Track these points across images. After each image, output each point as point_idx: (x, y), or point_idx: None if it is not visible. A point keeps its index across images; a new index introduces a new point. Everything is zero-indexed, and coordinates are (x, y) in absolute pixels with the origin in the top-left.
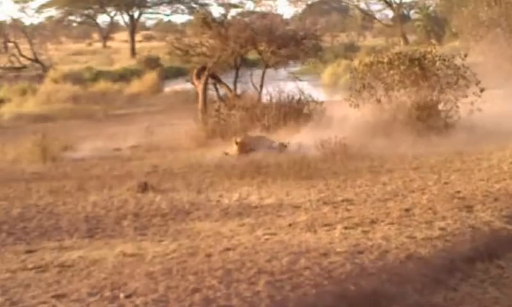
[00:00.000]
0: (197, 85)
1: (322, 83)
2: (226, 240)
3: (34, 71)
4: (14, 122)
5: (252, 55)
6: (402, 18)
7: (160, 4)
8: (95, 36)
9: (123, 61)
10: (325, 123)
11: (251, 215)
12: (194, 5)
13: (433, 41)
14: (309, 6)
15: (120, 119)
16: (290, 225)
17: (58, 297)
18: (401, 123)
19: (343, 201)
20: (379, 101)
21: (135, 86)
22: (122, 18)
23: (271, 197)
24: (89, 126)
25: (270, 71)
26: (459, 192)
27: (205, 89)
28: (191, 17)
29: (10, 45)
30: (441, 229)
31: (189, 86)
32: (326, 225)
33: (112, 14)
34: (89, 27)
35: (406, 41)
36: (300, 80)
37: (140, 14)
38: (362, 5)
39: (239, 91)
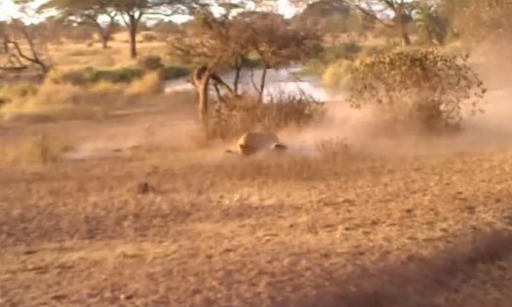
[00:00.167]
0: (198, 85)
1: (323, 83)
2: (227, 241)
3: (35, 71)
4: (14, 122)
5: (253, 55)
6: (403, 19)
7: (161, 4)
8: (96, 36)
9: (124, 62)
10: (326, 124)
11: (251, 216)
12: (194, 5)
13: (435, 41)
14: (310, 6)
15: (121, 120)
16: (291, 226)
17: (58, 298)
18: (402, 123)
19: (344, 202)
20: (380, 101)
21: (135, 87)
22: (122, 19)
23: (272, 198)
24: (89, 127)
25: (271, 72)
26: (460, 193)
27: (205, 90)
28: (192, 17)
29: (10, 45)
30: (443, 230)
31: (189, 86)
32: (327, 226)
33: (112, 14)
34: (89, 27)
35: (408, 42)
36: (301, 80)
37: (141, 14)
38: (363, 5)
39: (239, 92)
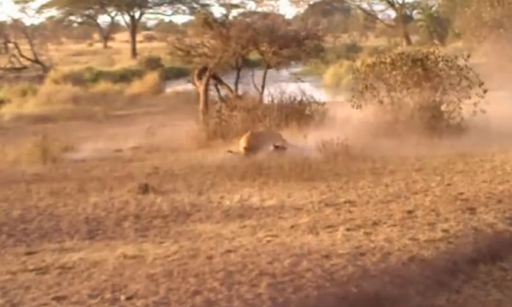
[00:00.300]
0: (198, 86)
1: (324, 84)
2: (228, 242)
3: (35, 71)
4: (14, 123)
5: (253, 55)
6: (404, 19)
7: (161, 4)
8: (96, 36)
9: (124, 62)
10: (327, 124)
11: (252, 217)
12: (195, 5)
13: (436, 41)
14: (311, 6)
15: (121, 120)
16: (291, 227)
17: (58, 299)
18: (404, 124)
19: (345, 202)
20: (381, 102)
21: (136, 87)
22: (123, 19)
23: (273, 199)
24: (89, 127)
25: (271, 72)
26: (462, 193)
27: (206, 90)
28: (192, 17)
29: (10, 45)
30: (444, 231)
31: (190, 86)
32: (328, 227)
33: (113, 14)
34: (89, 27)
35: (409, 42)
36: (302, 81)
37: (141, 14)
38: (364, 5)
39: (240, 92)
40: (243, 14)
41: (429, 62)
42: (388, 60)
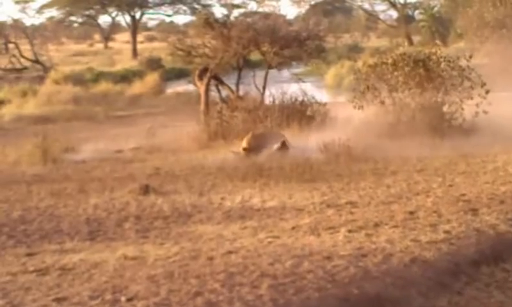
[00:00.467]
0: (199, 86)
1: (325, 84)
2: (229, 243)
3: (35, 72)
4: (14, 123)
5: (255, 56)
6: (406, 19)
7: (162, 4)
8: (96, 36)
9: (125, 62)
10: (328, 125)
11: (253, 218)
12: (196, 5)
13: (438, 42)
14: (312, 7)
15: (122, 121)
16: (293, 228)
17: (59, 300)
18: (405, 125)
19: (346, 203)
20: (383, 102)
21: (136, 87)
22: (124, 19)
23: (274, 200)
24: (90, 128)
25: (273, 73)
26: (464, 194)
27: (207, 91)
28: (193, 18)
29: (11, 45)
30: (446, 232)
31: (191, 87)
32: (329, 228)
33: (113, 14)
34: (90, 27)
35: (411, 42)
36: (303, 81)
37: (142, 14)
38: (366, 5)
39: (241, 93)
40: (244, 14)
41: (431, 63)
42: (390, 61)
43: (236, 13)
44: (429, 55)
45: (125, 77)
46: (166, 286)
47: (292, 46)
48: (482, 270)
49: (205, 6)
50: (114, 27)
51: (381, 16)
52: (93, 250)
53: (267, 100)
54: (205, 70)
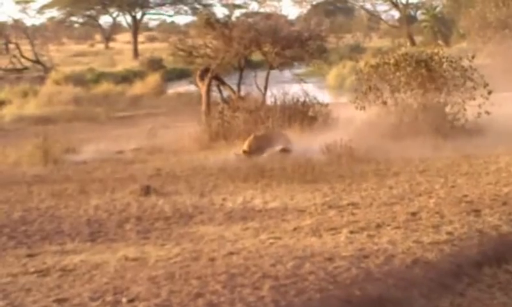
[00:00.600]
0: (200, 87)
1: (327, 85)
2: (230, 244)
3: (36, 72)
4: (15, 124)
5: (256, 56)
6: (408, 19)
7: (163, 4)
8: (97, 37)
9: (126, 63)
10: (330, 126)
11: (255, 219)
12: (197, 6)
13: (440, 42)
14: (314, 7)
15: (123, 122)
16: (294, 229)
17: (60, 301)
18: (407, 125)
19: (348, 204)
20: (385, 103)
21: (137, 88)
22: (124, 19)
23: (276, 201)
24: (91, 129)
25: (274, 73)
26: (466, 195)
27: (208, 91)
28: (194, 18)
29: (11, 46)
30: (449, 233)
31: (192, 87)
32: (331, 229)
33: (114, 15)
34: (91, 28)
35: (413, 43)
36: (305, 82)
37: (143, 15)
38: (368, 6)
39: (242, 93)
40: (246, 14)
41: (433, 63)
42: (392, 61)
43: (237, 13)
44: (432, 55)
45: (126, 78)
46: (167, 287)
47: (294, 46)
48: (485, 272)
49: (206, 6)
50: (115, 27)
51: (383, 16)
52: (94, 251)
53: (269, 101)
54: (206, 71)
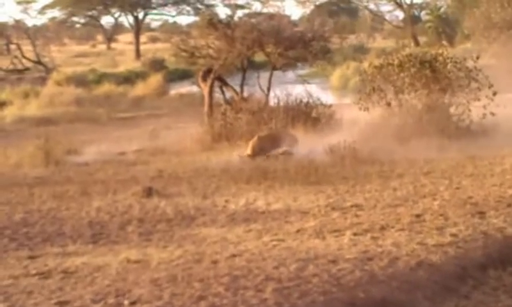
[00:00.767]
0: (203, 88)
1: (330, 86)
2: (233, 246)
3: (37, 73)
4: (16, 125)
5: (259, 57)
6: (412, 20)
7: (166, 5)
8: (99, 37)
9: (128, 63)
10: (334, 127)
11: (258, 221)
12: (199, 6)
13: (444, 42)
14: (317, 7)
15: (125, 123)
16: (298, 231)
17: (61, 303)
18: (412, 126)
19: (352, 206)
20: (389, 104)
21: (140, 89)
22: (126, 19)
23: (279, 203)
24: (92, 130)
25: (277, 74)
26: (471, 197)
27: (211, 92)
28: (197, 18)
29: (13, 46)
30: (453, 235)
31: (194, 88)
32: (334, 231)
33: (116, 15)
34: (93, 28)
35: (417, 43)
36: (308, 82)
37: (145, 15)
38: (372, 6)
39: (245, 94)
40: (248, 15)
41: (438, 64)
42: (396, 62)
43: (240, 13)
44: (436, 56)
45: (128, 78)
46: (169, 289)
47: (297, 47)
48: (490, 274)
49: (208, 7)
50: (117, 27)
51: (387, 16)
52: (95, 253)
53: (272, 102)
54: (208, 71)
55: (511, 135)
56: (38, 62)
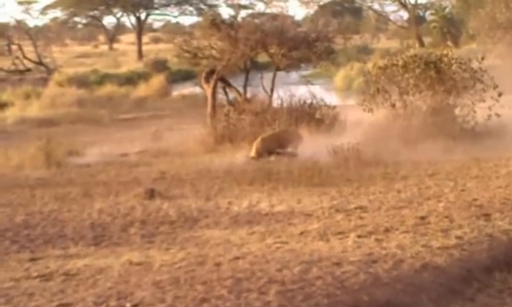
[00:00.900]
0: (206, 89)
1: (334, 87)
2: (236, 249)
3: (39, 74)
4: (18, 126)
5: (262, 58)
6: (417, 20)
7: (168, 5)
8: (101, 38)
9: (130, 64)
10: (338, 128)
11: (261, 223)
12: (202, 6)
13: (449, 43)
14: (321, 7)
15: (127, 124)
16: (301, 233)
17: (63, 306)
18: (416, 128)
19: (356, 208)
20: (393, 105)
21: (142, 90)
22: (129, 20)
23: (282, 205)
24: (94, 131)
25: (281, 75)
26: (476, 199)
27: (214, 93)
28: (200, 19)
29: (14, 47)
30: (458, 237)
31: (197, 89)
32: (338, 233)
33: (118, 15)
34: (94, 28)
35: (422, 44)
36: (312, 83)
37: (147, 15)
38: (376, 6)
39: (248, 95)
40: (252, 15)
41: (443, 65)
42: (400, 62)
43: (243, 13)
44: (441, 57)
45: (130, 79)
46: (171, 292)
47: (301, 47)
48: (495, 277)
49: (211, 7)
50: (119, 28)
51: (392, 17)
52: (97, 255)
53: (275, 103)
54: (211, 72)
55: None
56: (40, 63)
